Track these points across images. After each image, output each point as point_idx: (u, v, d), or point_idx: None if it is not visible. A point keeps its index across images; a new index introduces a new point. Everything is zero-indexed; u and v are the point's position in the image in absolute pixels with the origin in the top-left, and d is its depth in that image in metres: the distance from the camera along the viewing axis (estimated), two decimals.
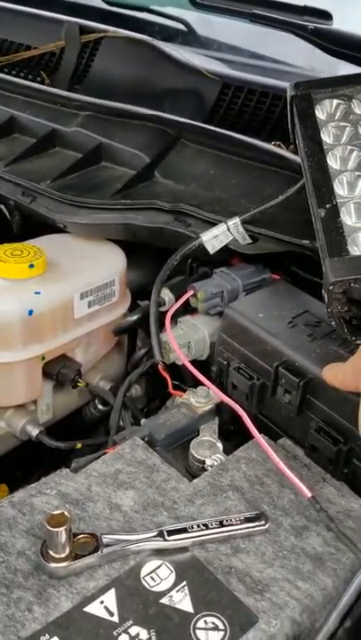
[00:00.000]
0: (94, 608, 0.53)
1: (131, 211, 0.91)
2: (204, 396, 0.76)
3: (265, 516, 0.61)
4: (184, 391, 0.79)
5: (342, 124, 0.72)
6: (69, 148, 1.04)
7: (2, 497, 0.69)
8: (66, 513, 0.54)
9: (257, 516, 0.61)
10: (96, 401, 1.01)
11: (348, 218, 0.64)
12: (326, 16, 1.09)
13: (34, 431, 0.90)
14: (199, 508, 0.63)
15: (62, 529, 0.53)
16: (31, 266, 0.84)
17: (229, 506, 0.63)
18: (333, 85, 0.76)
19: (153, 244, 0.93)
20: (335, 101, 0.74)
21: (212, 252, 0.84)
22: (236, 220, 0.84)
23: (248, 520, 0.61)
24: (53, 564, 0.55)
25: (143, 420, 0.76)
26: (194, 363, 0.81)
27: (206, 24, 1.21)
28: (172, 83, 1.04)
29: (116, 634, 0.51)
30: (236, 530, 0.60)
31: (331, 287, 0.60)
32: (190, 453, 0.71)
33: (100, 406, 1.01)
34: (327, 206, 0.64)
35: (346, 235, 0.62)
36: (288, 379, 0.69)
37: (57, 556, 0.55)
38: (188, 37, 1.17)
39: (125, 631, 0.52)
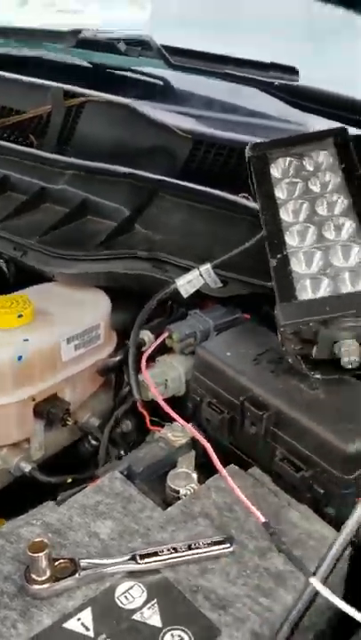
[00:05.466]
0: (72, 624, 0.59)
1: (112, 260, 0.99)
2: (180, 431, 0.83)
3: (231, 540, 0.67)
4: (162, 426, 0.85)
5: (295, 180, 0.80)
6: (57, 203, 1.13)
7: None
8: (45, 540, 0.61)
9: (223, 540, 0.67)
10: (89, 437, 1.07)
11: (298, 266, 0.72)
12: (292, 72, 1.19)
13: (26, 467, 0.96)
14: (171, 534, 0.69)
15: (42, 554, 0.60)
16: (20, 315, 0.92)
17: (199, 531, 0.69)
18: (287, 145, 0.84)
19: (134, 290, 1.00)
20: (288, 159, 0.83)
21: (185, 295, 0.91)
22: (207, 265, 0.92)
23: (215, 543, 0.66)
24: (36, 587, 0.61)
25: (123, 454, 0.82)
26: (171, 399, 0.87)
27: (185, 79, 1.31)
28: (149, 142, 1.14)
29: None
30: (204, 552, 0.66)
31: (282, 329, 0.67)
32: (167, 484, 0.77)
33: (93, 442, 1.07)
34: (278, 256, 0.72)
35: (295, 281, 0.70)
36: (253, 412, 0.75)
37: (39, 579, 0.61)
38: (167, 93, 1.27)
39: None
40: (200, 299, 0.93)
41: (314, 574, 0.56)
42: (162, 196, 1.06)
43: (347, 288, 0.67)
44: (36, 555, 0.59)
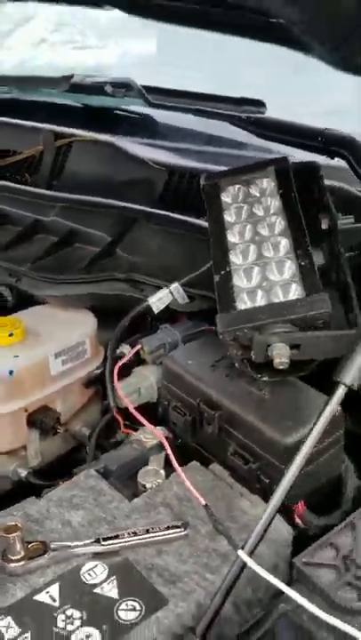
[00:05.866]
0: (42, 597, 0.69)
1: (94, 283, 1.10)
2: (151, 433, 0.92)
3: (186, 525, 0.76)
4: (136, 430, 0.95)
5: (241, 205, 0.90)
6: (49, 233, 1.25)
7: None
8: (18, 524, 0.71)
9: (179, 525, 0.76)
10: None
11: (239, 281, 0.81)
12: (260, 104, 1.29)
13: (23, 472, 1.07)
14: (134, 521, 0.78)
15: (15, 535, 0.70)
16: (10, 334, 1.03)
17: (160, 519, 0.78)
18: (237, 174, 0.94)
19: (116, 308, 1.11)
20: (237, 186, 0.92)
21: (156, 311, 1.01)
22: (176, 284, 1.02)
23: (171, 527, 0.76)
24: (12, 565, 0.71)
25: (101, 455, 0.92)
26: (145, 405, 0.97)
27: (165, 115, 1.43)
28: (129, 175, 1.25)
29: (55, 614, 0.67)
30: (160, 536, 0.75)
31: (221, 336, 0.76)
32: (137, 480, 0.87)
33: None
34: (222, 272, 0.81)
35: (235, 294, 0.79)
36: (208, 413, 0.84)
37: (13, 557, 0.71)
38: (149, 128, 1.40)
39: (63, 612, 0.67)
40: (171, 314, 1.03)
41: (242, 548, 0.64)
42: (140, 223, 1.17)
43: (278, 298, 0.77)
44: (10, 536, 0.70)
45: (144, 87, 1.38)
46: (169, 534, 0.75)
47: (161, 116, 1.40)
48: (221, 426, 0.84)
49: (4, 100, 1.60)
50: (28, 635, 0.65)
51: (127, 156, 1.26)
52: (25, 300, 1.22)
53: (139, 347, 0.99)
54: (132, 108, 1.44)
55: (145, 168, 1.22)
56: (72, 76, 1.51)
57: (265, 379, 0.83)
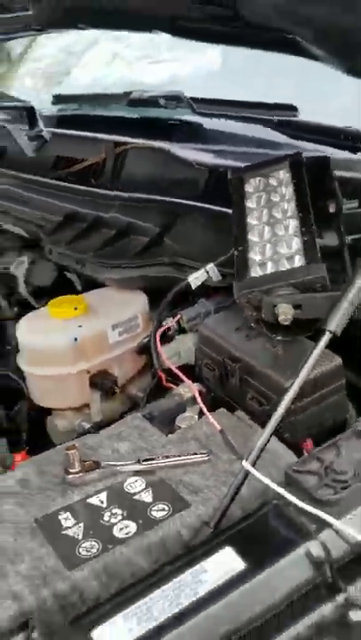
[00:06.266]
0: (93, 500, 0.88)
1: (145, 267, 1.30)
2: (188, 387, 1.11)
3: (210, 453, 0.94)
4: (177, 385, 1.14)
5: (261, 193, 1.07)
6: (109, 227, 1.47)
7: None
8: (76, 444, 0.91)
9: (203, 453, 0.94)
10: None
11: (254, 255, 0.98)
12: (292, 109, 1.46)
13: (87, 425, 1.28)
14: (169, 450, 0.96)
15: (73, 452, 0.90)
16: (75, 308, 1.25)
17: (189, 448, 0.96)
18: (258, 168, 1.11)
19: (163, 288, 1.30)
20: (258, 178, 1.09)
21: (194, 287, 1.19)
22: (211, 264, 1.20)
23: (197, 454, 0.94)
24: (70, 477, 0.91)
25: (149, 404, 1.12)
26: (185, 366, 1.16)
27: (210, 122, 1.62)
28: (176, 175, 1.44)
29: (102, 512, 0.86)
30: (188, 459, 0.93)
31: (237, 300, 0.94)
32: (175, 424, 1.05)
33: None
34: (240, 248, 0.99)
35: (249, 266, 0.97)
36: (231, 366, 1.02)
37: (72, 471, 0.91)
38: (196, 134, 1.59)
39: (109, 510, 0.86)
40: (207, 290, 1.21)
41: (246, 460, 0.81)
42: (185, 215, 1.36)
43: (284, 267, 0.93)
44: (70, 452, 0.90)
45: (192, 98, 1.58)
46: (195, 458, 0.93)
47: (206, 122, 1.59)
48: (242, 376, 1.01)
49: (73, 116, 1.85)
50: (82, 525, 0.85)
51: (175, 158, 1.45)
52: (90, 285, 1.44)
53: (178, 317, 1.17)
54: (182, 117, 1.64)
55: (189, 168, 1.41)
56: (131, 93, 1.74)
57: (278, 338, 1.00)
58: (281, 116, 1.44)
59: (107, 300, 1.35)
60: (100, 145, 1.64)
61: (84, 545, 0.81)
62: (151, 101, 1.68)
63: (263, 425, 0.97)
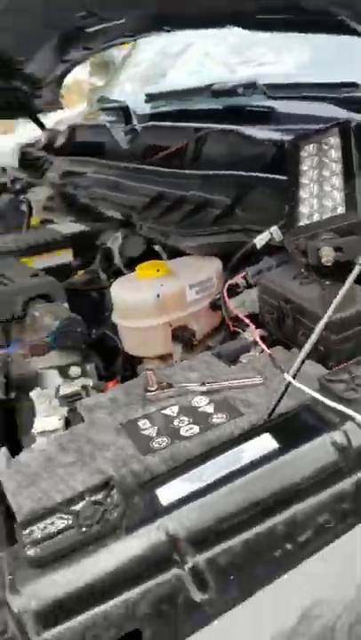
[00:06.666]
0: (166, 411, 1.08)
1: (219, 234, 1.49)
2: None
3: (264, 378, 1.10)
4: (244, 331, 1.31)
5: (313, 157, 1.22)
6: (189, 203, 1.67)
7: None
8: (153, 367, 1.11)
9: (260, 378, 1.11)
10: None
11: (303, 208, 1.14)
12: (354, 85, 1.59)
13: None
14: (230, 377, 1.14)
15: (151, 372, 1.11)
16: (157, 270, 1.46)
17: (248, 375, 1.14)
18: (313, 135, 1.25)
19: (235, 253, 1.48)
20: (312, 145, 1.24)
21: (259, 247, 1.36)
22: (275, 227, 1.36)
23: (253, 378, 1.11)
24: (149, 394, 1.12)
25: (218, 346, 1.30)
26: (251, 315, 1.33)
27: (283, 104, 1.78)
28: (248, 151, 1.62)
29: (173, 419, 1.06)
30: (245, 382, 1.10)
31: (287, 247, 1.10)
32: (239, 360, 1.23)
33: None
34: (291, 204, 1.15)
35: (299, 218, 1.12)
36: (285, 307, 1.18)
37: (150, 388, 1.12)
38: (271, 116, 1.76)
39: (178, 418, 1.06)
40: (271, 249, 1.37)
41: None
42: (254, 187, 1.53)
43: (327, 216, 1.07)
44: (148, 372, 1.11)
45: (264, 84, 1.75)
46: (251, 381, 1.10)
47: (278, 105, 1.75)
48: (295, 316, 1.16)
49: (163, 112, 2.09)
50: (156, 427, 1.05)
51: (246, 138, 1.63)
52: (173, 255, 1.65)
53: (244, 273, 1.35)
54: (258, 102, 1.81)
55: (259, 145, 1.58)
56: (212, 85, 1.94)
57: (327, 282, 1.14)
58: (344, 93, 1.57)
59: (185, 265, 1.55)
60: (184, 133, 1.85)
61: (156, 440, 1.01)
62: (231, 91, 1.87)
63: (311, 356, 1.13)
